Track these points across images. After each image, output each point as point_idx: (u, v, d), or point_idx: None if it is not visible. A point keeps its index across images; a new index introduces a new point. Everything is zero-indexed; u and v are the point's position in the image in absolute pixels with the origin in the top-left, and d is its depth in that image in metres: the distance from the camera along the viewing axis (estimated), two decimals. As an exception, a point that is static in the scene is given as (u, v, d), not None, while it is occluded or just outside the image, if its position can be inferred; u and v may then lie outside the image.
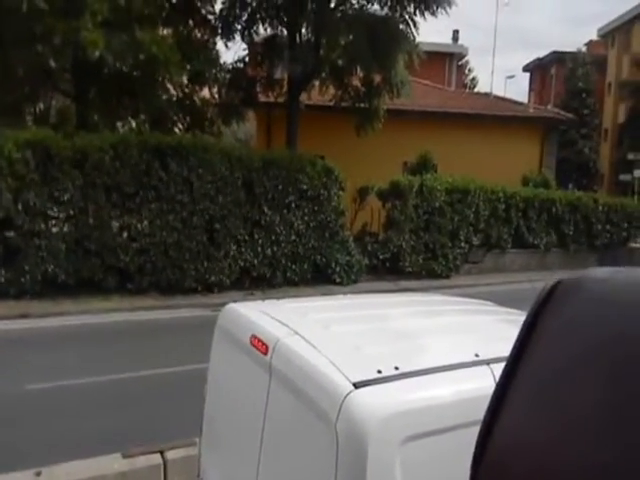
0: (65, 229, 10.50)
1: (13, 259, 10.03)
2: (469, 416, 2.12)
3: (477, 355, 2.34)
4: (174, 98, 14.97)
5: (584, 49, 38.84)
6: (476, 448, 0.57)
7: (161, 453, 3.69)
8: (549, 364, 0.55)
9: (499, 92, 26.22)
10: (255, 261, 11.99)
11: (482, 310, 3.49)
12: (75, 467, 3.54)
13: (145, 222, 11.01)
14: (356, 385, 2.02)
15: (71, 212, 10.48)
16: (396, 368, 2.14)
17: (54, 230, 10.35)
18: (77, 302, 10.25)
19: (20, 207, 10.01)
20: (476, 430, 2.03)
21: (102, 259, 10.68)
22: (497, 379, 1.99)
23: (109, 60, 10.85)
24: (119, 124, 15.58)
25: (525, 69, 45.73)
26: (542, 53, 46.17)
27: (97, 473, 3.46)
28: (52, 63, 11.04)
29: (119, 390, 6.69)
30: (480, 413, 2.10)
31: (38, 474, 3.45)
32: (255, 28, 14.63)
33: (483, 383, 2.22)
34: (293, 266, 12.47)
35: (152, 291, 11.11)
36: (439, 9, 12.96)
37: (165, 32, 13.78)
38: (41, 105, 16.18)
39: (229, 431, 2.79)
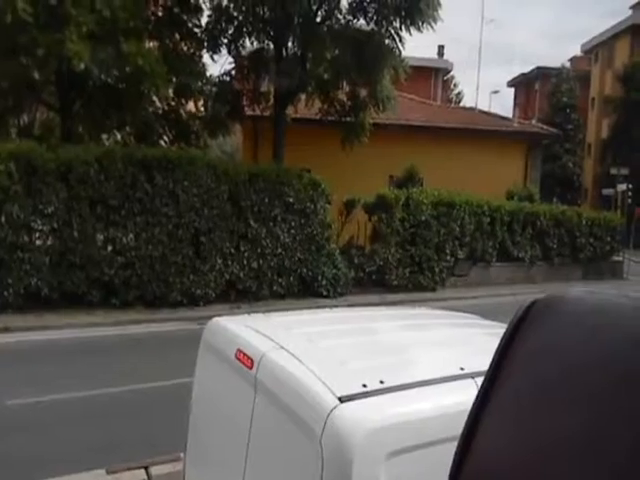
0: (49, 242, 10.39)
1: (-5, 272, 9.89)
2: (455, 429, 2.11)
3: (462, 368, 2.34)
4: (160, 111, 14.95)
5: (568, 64, 39.54)
6: (452, 469, 0.57)
7: (145, 469, 3.64)
8: (523, 386, 0.55)
9: (484, 107, 26.62)
10: (241, 274, 11.94)
11: (467, 323, 3.50)
12: (57, 484, 3.47)
13: (130, 235, 10.93)
14: (341, 399, 2.02)
15: (55, 225, 10.38)
16: (381, 382, 2.14)
17: (38, 243, 10.24)
18: (61, 316, 10.11)
19: (3, 219, 9.89)
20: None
21: (86, 273, 10.56)
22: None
23: (94, 72, 10.83)
24: (104, 136, 15.52)
25: (510, 84, 46.43)
26: (527, 68, 46.84)
27: (79, 490, 3.40)
28: (36, 75, 10.99)
29: (103, 405, 6.58)
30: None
31: (18, 492, 3.38)
32: (241, 42, 14.71)
33: (468, 396, 2.22)
34: (279, 279, 12.43)
35: (137, 305, 11.01)
36: (424, 24, 13.11)
37: (151, 45, 13.78)
38: (25, 117, 16.08)
39: (214, 446, 2.76)
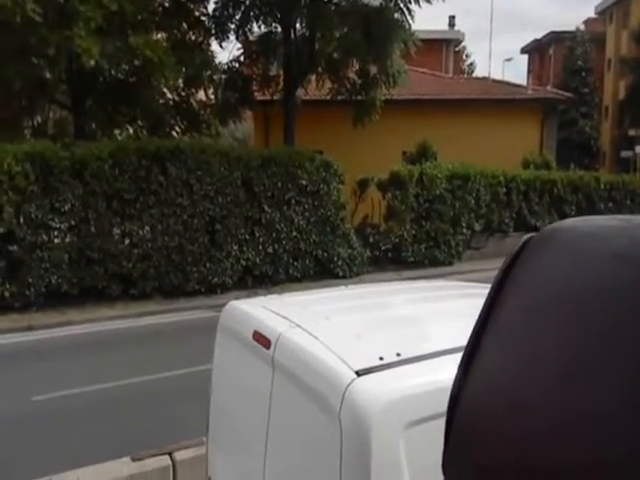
0: (67, 239, 10.50)
1: (17, 272, 10.04)
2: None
3: (479, 337, 2.32)
4: (170, 102, 14.98)
5: (582, 27, 38.53)
6: (448, 408, 0.58)
7: (170, 454, 3.69)
8: (519, 310, 0.57)
9: (497, 76, 26.14)
10: (257, 260, 11.99)
11: (484, 294, 3.46)
12: (85, 473, 3.55)
13: (146, 227, 11.01)
14: (358, 373, 2.01)
15: (72, 222, 10.49)
16: (398, 354, 2.12)
17: (56, 241, 10.36)
18: (82, 311, 10.27)
19: (22, 220, 10.02)
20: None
21: (105, 267, 10.69)
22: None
23: (104, 67, 10.85)
24: (117, 132, 15.61)
25: (523, 51, 45.47)
26: (540, 34, 45.79)
27: (107, 477, 3.47)
28: (47, 74, 11.07)
29: (127, 395, 6.69)
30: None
31: (49, 482, 3.46)
32: (249, 26, 14.61)
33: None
34: (295, 262, 12.46)
35: (156, 296, 11.12)
36: (434, -4, 12.88)
37: (159, 36, 13.76)
38: (38, 117, 16.22)
39: (235, 427, 2.79)
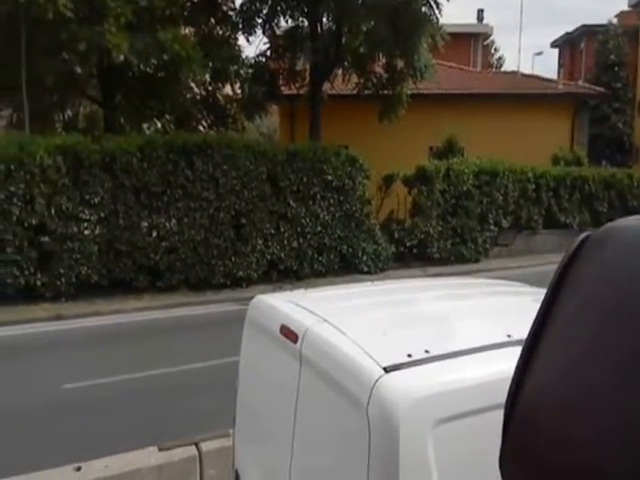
0: (97, 231, 10.70)
1: (48, 263, 10.27)
2: (503, 397, 2.08)
3: (509, 336, 2.29)
4: (197, 97, 15.09)
5: (615, 21, 37.56)
6: (506, 405, 0.57)
7: (196, 445, 3.74)
8: (578, 310, 0.55)
9: (527, 70, 25.69)
10: (282, 254, 12.03)
11: (513, 291, 3.42)
12: (113, 461, 3.62)
13: (173, 221, 11.15)
14: (386, 369, 2.00)
15: (102, 214, 10.67)
16: (426, 351, 2.11)
17: (86, 233, 10.56)
18: (110, 302, 10.46)
19: (53, 212, 10.23)
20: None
21: (133, 259, 10.85)
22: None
23: (133, 62, 10.98)
24: (145, 125, 15.80)
25: (553, 45, 44.47)
26: (570, 28, 44.72)
27: (134, 466, 3.53)
28: (78, 69, 11.25)
29: (154, 385, 6.80)
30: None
31: (78, 469, 3.54)
32: (276, 21, 14.59)
33: (515, 363, 2.18)
34: (320, 257, 12.47)
35: (182, 288, 11.26)
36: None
37: (187, 31, 13.86)
38: (69, 112, 16.49)
39: (262, 421, 2.81)
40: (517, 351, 2.04)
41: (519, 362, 0.58)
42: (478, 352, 2.19)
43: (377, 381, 1.98)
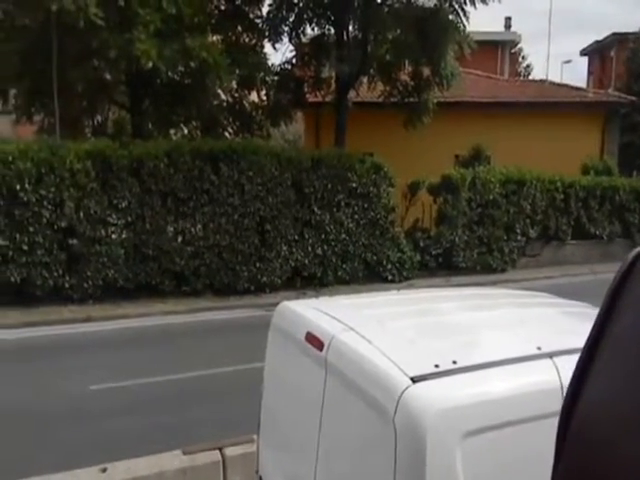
0: (124, 235, 10.85)
1: (76, 265, 10.46)
2: (532, 410, 2.05)
3: (539, 348, 2.26)
4: (224, 103, 15.23)
5: (646, 28, 36.84)
6: (561, 418, 0.56)
7: (220, 450, 3.75)
8: (633, 327, 0.55)
9: (556, 78, 25.33)
10: (306, 261, 12.05)
11: (542, 302, 3.36)
12: (138, 463, 3.65)
13: (199, 226, 11.25)
14: (414, 379, 1.99)
15: (129, 218, 10.83)
16: (454, 362, 2.09)
17: (113, 236, 10.72)
18: (136, 305, 10.59)
19: (82, 215, 10.42)
20: (540, 425, 1.94)
21: (159, 263, 10.98)
22: (561, 372, 1.88)
23: (161, 69, 11.15)
24: (172, 131, 15.99)
25: (583, 53, 43.81)
26: (600, 36, 44.02)
27: (159, 469, 3.55)
28: (108, 76, 11.46)
29: (179, 389, 6.85)
30: (544, 407, 2.00)
31: (104, 470, 3.58)
32: (302, 29, 14.69)
33: (546, 377, 2.14)
34: (344, 265, 12.45)
35: (207, 293, 11.36)
36: (490, -4, 12.62)
37: (214, 39, 14.03)
38: (99, 117, 16.77)
39: (287, 427, 2.80)
40: (546, 364, 2.00)
41: (574, 374, 0.57)
42: (507, 364, 2.17)
43: (404, 391, 1.96)
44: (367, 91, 15.15)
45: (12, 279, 9.97)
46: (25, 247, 10.01)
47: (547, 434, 2.11)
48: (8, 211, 9.98)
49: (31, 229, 10.04)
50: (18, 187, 9.91)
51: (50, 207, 10.17)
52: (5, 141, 10.53)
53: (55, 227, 10.24)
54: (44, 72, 11.59)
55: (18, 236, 9.98)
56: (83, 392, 6.71)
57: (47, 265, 10.18)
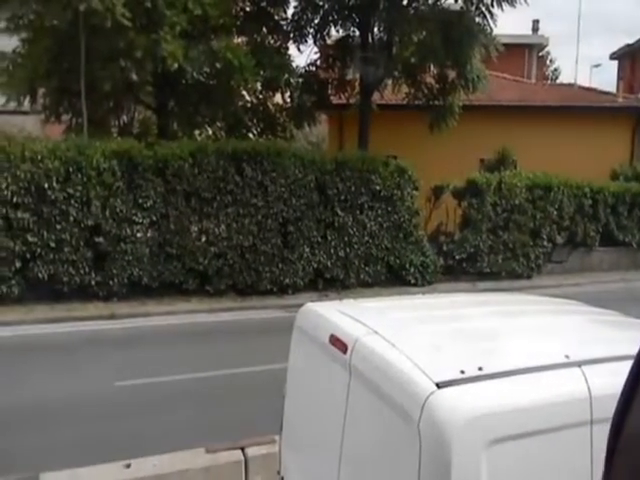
0: (148, 234, 10.98)
1: (102, 263, 10.62)
2: (561, 419, 2.02)
3: (567, 357, 2.22)
4: (248, 104, 15.31)
5: (677, 32, 36.06)
6: (613, 422, 0.55)
7: (242, 450, 3.77)
8: None
9: (584, 82, 24.94)
10: (328, 263, 12.04)
11: (570, 310, 3.31)
12: (162, 460, 3.69)
13: (222, 226, 11.33)
14: (439, 385, 1.97)
15: (154, 218, 10.96)
16: (480, 368, 2.07)
17: (139, 235, 10.85)
18: (160, 303, 10.71)
19: (108, 214, 10.58)
20: (567, 434, 1.90)
21: (183, 262, 11.09)
22: (590, 382, 1.84)
23: (187, 69, 11.27)
24: (197, 132, 16.12)
25: (612, 57, 43.04)
26: (630, 39, 43.19)
27: (182, 467, 3.59)
28: (134, 76, 11.61)
29: (202, 388, 6.90)
30: (571, 417, 1.96)
31: (128, 466, 3.62)
32: (327, 30, 14.72)
33: (574, 386, 2.10)
34: (366, 267, 12.42)
35: (230, 293, 11.43)
36: (518, -1, 12.49)
37: (240, 40, 14.13)
38: (125, 117, 16.99)
39: (310, 429, 2.80)
40: (575, 373, 1.96)
41: (624, 389, 0.55)
42: (535, 372, 2.14)
43: (429, 396, 1.95)
44: (391, 93, 15.10)
45: (40, 275, 10.17)
46: (53, 244, 10.19)
47: (574, 444, 2.07)
48: (37, 209, 10.18)
49: (58, 227, 10.22)
50: (46, 185, 10.11)
51: (77, 205, 10.35)
52: (34, 140, 10.72)
53: (82, 225, 10.41)
54: (72, 72, 11.80)
55: (46, 233, 10.17)
56: (108, 388, 6.80)
57: (74, 262, 10.36)
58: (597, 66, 46.18)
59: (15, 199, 10.01)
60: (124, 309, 10.33)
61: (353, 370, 2.36)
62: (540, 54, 30.05)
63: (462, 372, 2.04)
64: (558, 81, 34.65)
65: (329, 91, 15.56)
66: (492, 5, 12.98)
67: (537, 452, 2.00)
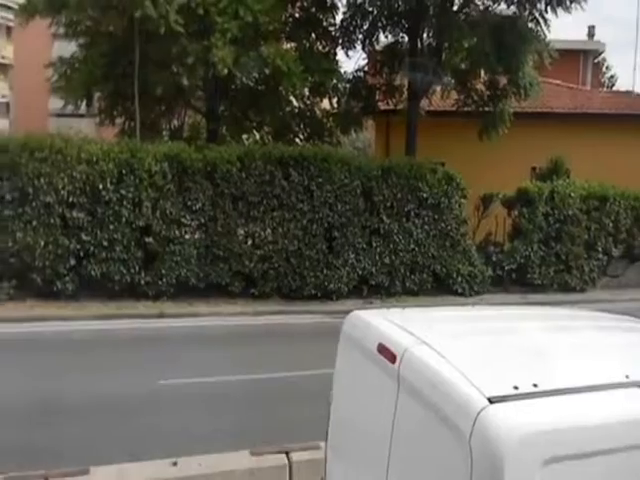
0: (196, 236, 11.21)
1: (151, 263, 10.89)
2: (618, 441, 1.94)
3: (627, 376, 2.13)
4: (296, 110, 15.44)
5: None
6: None
7: (287, 454, 3.78)
8: None
9: (641, 90, 24.01)
10: (373, 269, 11.98)
11: (630, 327, 3.17)
12: (207, 460, 3.74)
13: (268, 230, 11.45)
14: (491, 400, 1.93)
15: (202, 220, 11.18)
16: (535, 385, 2.01)
17: (187, 237, 11.10)
18: (207, 304, 10.91)
19: (158, 215, 10.85)
20: (627, 456, 1.82)
21: (229, 265, 11.26)
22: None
23: (237, 75, 11.46)
24: (245, 137, 16.37)
25: (671, 63, 41.33)
26: (691, 45, 41.40)
27: (228, 468, 3.63)
28: (185, 81, 11.91)
29: (245, 390, 6.96)
30: (632, 438, 1.88)
31: (174, 464, 3.69)
32: (376, 36, 14.70)
33: (634, 407, 2.01)
34: (412, 275, 12.29)
35: (274, 296, 11.53)
36: (573, 4, 12.17)
37: (289, 46, 14.27)
38: (175, 121, 17.41)
39: (356, 438, 2.78)
40: (635, 393, 1.88)
41: None
42: (592, 391, 2.06)
43: (481, 412, 1.90)
44: (440, 99, 14.93)
45: (93, 273, 10.52)
46: (105, 243, 10.54)
47: (633, 467, 1.99)
48: (91, 209, 10.54)
49: (111, 227, 10.56)
50: (101, 186, 10.47)
51: (129, 206, 10.66)
52: (90, 142, 11.12)
53: (133, 226, 10.73)
54: (126, 76, 12.20)
55: (99, 233, 10.53)
56: (152, 386, 6.94)
57: (125, 261, 10.67)
58: (656, 72, 44.30)
59: (71, 199, 10.42)
60: (172, 309, 10.57)
61: (401, 381, 2.33)
62: (596, 60, 29.11)
63: (516, 387, 1.99)
64: (614, 88, 33.47)
65: (376, 97, 15.51)
66: (546, 11, 12.71)
67: (593, 474, 1.92)
